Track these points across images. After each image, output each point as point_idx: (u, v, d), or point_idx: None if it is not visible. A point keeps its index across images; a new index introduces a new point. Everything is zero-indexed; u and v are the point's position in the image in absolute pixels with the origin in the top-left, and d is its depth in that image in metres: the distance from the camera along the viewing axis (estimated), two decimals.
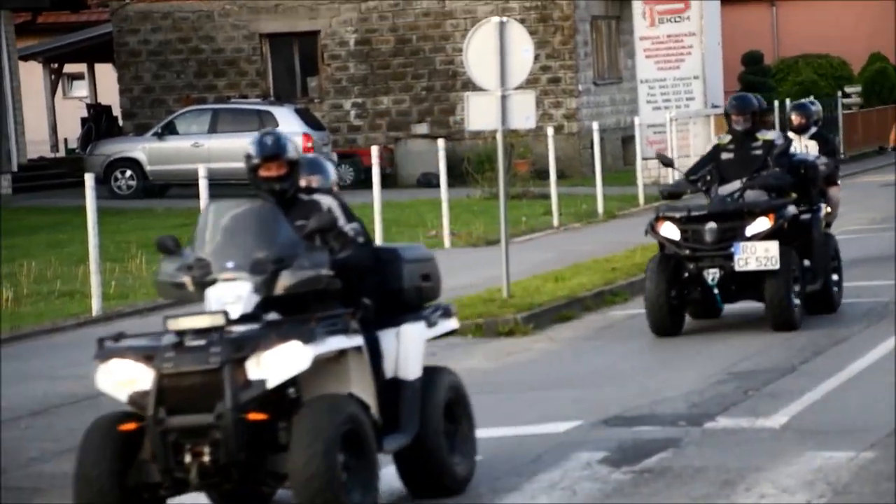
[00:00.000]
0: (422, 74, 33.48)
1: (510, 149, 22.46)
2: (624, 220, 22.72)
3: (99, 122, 36.03)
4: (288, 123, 29.44)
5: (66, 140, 38.69)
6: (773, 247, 11.75)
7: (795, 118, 15.74)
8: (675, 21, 29.85)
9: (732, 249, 11.83)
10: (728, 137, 12.59)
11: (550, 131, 23.37)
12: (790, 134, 15.22)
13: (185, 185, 27.53)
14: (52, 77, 38.06)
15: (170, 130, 29.72)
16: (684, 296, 12.09)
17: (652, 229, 12.23)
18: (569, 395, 10.26)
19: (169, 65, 33.67)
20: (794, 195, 12.43)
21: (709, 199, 12.22)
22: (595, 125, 25.29)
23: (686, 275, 12.02)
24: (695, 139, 28.60)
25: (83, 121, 37.12)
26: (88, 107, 37.75)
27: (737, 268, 11.81)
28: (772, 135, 12.59)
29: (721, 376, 10.46)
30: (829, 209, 14.36)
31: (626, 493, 7.54)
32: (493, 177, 24.91)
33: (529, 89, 16.27)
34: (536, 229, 21.53)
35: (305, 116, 30.07)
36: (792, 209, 12.22)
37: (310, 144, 29.16)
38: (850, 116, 37.87)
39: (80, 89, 42.54)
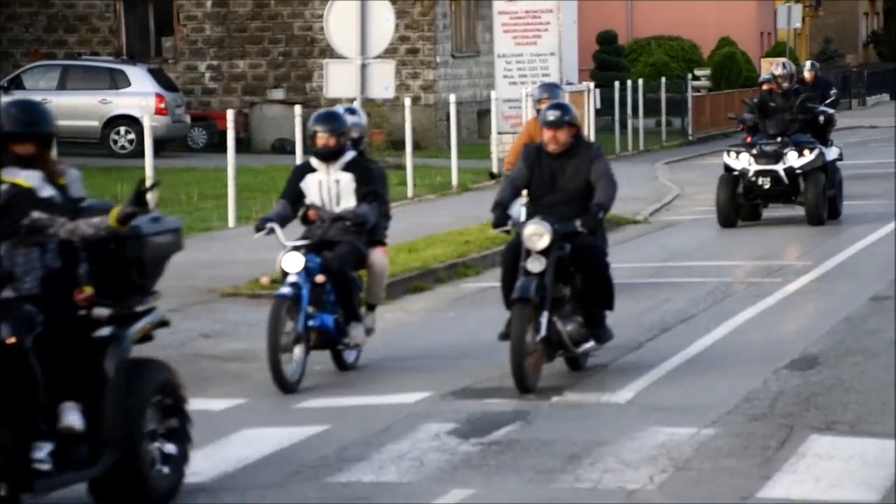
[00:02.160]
0: (279, 39, 33.16)
1: (367, 118, 22.39)
2: (478, 194, 22.85)
3: None
4: (140, 83, 28.94)
5: None
6: None
7: (321, 136, 9.71)
8: None
9: None
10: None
11: (408, 102, 23.37)
12: (314, 162, 9.80)
13: None
14: None
15: (16, 85, 28.98)
16: None
17: None
18: (420, 366, 10.30)
19: (17, 17, 32.78)
20: (89, 290, 6.59)
21: None
22: (452, 97, 25.36)
23: None
24: None
25: None
26: None
27: None
28: (26, 176, 6.42)
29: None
30: (368, 283, 9.95)
31: (474, 465, 7.61)
32: None
33: (388, 59, 16.24)
34: (390, 200, 21.54)
35: (159, 77, 29.58)
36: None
37: (162, 105, 28.71)
38: (698, 99, 38.63)
39: None
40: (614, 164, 18.74)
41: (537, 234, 9.25)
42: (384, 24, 14.19)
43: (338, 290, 9.70)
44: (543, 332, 9.20)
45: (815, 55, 61.06)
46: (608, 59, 43.15)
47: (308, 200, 9.94)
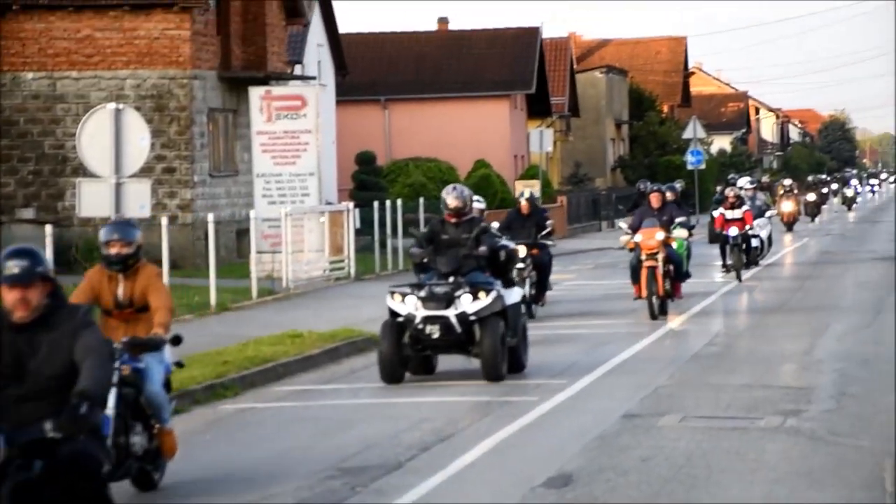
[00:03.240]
0: (29, 158, 32.40)
1: None
2: (236, 313, 22.62)
3: None
4: None
5: None
6: None
7: None
8: (292, 118, 30.25)
9: None
10: None
11: (165, 221, 23.09)
12: None
13: None
14: None
15: None
16: None
17: None
18: (176, 489, 10.04)
19: None
20: None
21: None
22: (210, 216, 25.18)
23: None
24: (309, 234, 28.94)
25: None
26: None
27: None
28: None
29: (331, 472, 10.51)
30: None
31: None
32: None
33: (144, 178, 16.06)
34: None
35: None
36: None
37: None
38: None
39: None
40: (374, 284, 18.47)
41: None
42: (140, 143, 14.05)
43: None
44: None
45: (567, 178, 63.21)
46: (367, 179, 43.66)
47: None
